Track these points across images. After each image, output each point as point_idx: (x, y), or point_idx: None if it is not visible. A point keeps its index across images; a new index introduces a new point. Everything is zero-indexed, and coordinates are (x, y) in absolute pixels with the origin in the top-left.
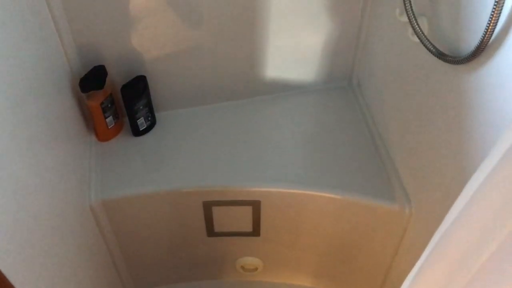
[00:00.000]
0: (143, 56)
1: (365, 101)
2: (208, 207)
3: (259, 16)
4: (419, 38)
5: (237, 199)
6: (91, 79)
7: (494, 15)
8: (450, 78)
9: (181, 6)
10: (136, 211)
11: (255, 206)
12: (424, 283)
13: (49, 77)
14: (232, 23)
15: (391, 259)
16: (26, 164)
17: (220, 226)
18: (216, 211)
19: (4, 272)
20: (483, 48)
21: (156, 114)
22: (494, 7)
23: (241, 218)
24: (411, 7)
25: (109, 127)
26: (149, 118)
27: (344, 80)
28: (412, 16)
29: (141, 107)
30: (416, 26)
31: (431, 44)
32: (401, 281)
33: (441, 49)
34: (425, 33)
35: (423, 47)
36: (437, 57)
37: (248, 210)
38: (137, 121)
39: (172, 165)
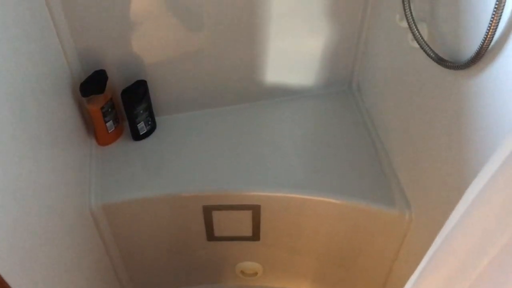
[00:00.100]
0: (144, 60)
1: (365, 105)
2: (208, 211)
3: (259, 21)
4: (418, 44)
5: (237, 203)
6: (92, 84)
7: (494, 21)
8: (450, 84)
9: (181, 11)
10: (136, 215)
11: (255, 210)
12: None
13: (50, 82)
14: (232, 27)
15: (391, 264)
16: (26, 168)
17: (220, 231)
18: (216, 215)
19: (3, 275)
20: (483, 54)
21: (156, 118)
22: (494, 13)
23: (241, 223)
24: (411, 13)
25: (109, 131)
26: (149, 122)
27: (344, 85)
28: (412, 22)
29: (141, 111)
30: (416, 31)
31: (431, 49)
32: (401, 287)
33: (440, 54)
34: (425, 38)
35: (423, 53)
36: (437, 63)
37: (248, 215)
38: (137, 125)
39: (172, 169)
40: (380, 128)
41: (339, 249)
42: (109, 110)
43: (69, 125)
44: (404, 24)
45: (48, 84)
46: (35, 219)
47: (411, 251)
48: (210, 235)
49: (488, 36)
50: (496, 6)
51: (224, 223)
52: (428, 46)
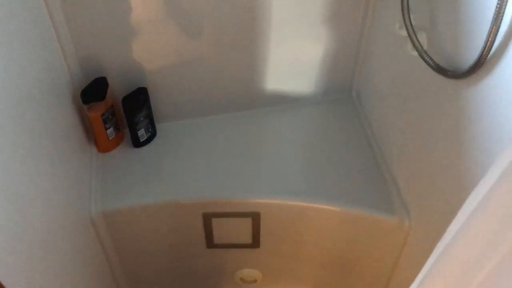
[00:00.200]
0: (144, 67)
1: (364, 113)
2: (207, 218)
3: (259, 28)
4: (418, 52)
5: (236, 210)
6: (93, 91)
7: (493, 30)
8: (449, 92)
9: (182, 18)
10: (136, 223)
11: (255, 218)
12: None
13: (51, 89)
14: (232, 35)
15: (391, 271)
16: (26, 175)
17: (220, 238)
18: (216, 222)
19: (3, 281)
20: (482, 63)
21: (157, 125)
22: (493, 22)
23: (241, 230)
24: (410, 21)
25: (109, 138)
26: (150, 130)
27: (343, 92)
28: (412, 31)
29: (141, 119)
30: (416, 40)
31: (430, 58)
32: None
33: (440, 63)
34: (425, 47)
35: (422, 61)
36: (436, 71)
37: (247, 222)
38: (138, 132)
39: (172, 177)
40: (380, 136)
41: (339, 256)
42: (110, 117)
43: (70, 132)
44: (404, 32)
45: (49, 91)
46: (35, 226)
47: (411, 258)
48: (210, 242)
49: (487, 45)
50: (495, 15)
51: (223, 230)
52: (428, 54)
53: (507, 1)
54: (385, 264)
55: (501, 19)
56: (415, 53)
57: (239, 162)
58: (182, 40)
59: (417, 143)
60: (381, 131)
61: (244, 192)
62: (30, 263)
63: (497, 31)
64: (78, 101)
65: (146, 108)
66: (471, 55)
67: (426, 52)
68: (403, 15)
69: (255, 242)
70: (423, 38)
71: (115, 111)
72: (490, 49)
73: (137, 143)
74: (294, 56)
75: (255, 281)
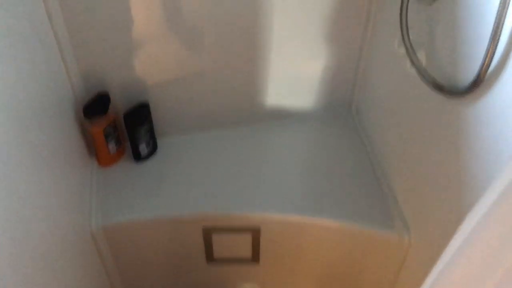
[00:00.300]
0: (146, 82)
1: (364, 129)
2: (207, 233)
3: (259, 44)
4: (416, 70)
5: (237, 225)
6: (95, 105)
7: (490, 49)
8: (448, 110)
9: (183, 34)
10: (136, 237)
11: (255, 232)
12: None
13: (53, 103)
14: (233, 50)
15: (391, 286)
16: (27, 189)
17: (220, 252)
18: (216, 237)
19: None
20: (480, 82)
21: (158, 140)
22: (490, 41)
23: (241, 245)
24: (409, 39)
25: (111, 153)
26: (151, 144)
27: (343, 108)
28: (410, 48)
29: (143, 133)
30: (414, 58)
31: (429, 76)
32: None
33: (439, 81)
34: (423, 65)
35: (421, 79)
36: (435, 89)
37: (247, 237)
38: (139, 147)
39: (173, 191)
40: (379, 152)
41: (339, 272)
42: (111, 131)
43: (71, 146)
44: (402, 50)
45: (51, 105)
46: (35, 240)
47: (410, 274)
48: (210, 257)
49: (485, 64)
50: (492, 34)
51: (223, 244)
52: (426, 72)
53: (504, 21)
54: (384, 279)
55: (498, 38)
56: (414, 71)
57: (240, 176)
58: (183, 55)
59: (416, 160)
60: (381, 147)
61: (244, 206)
62: (31, 277)
63: (495, 50)
64: (80, 115)
65: (148, 122)
66: (469, 74)
67: (424, 70)
68: (402, 32)
69: (255, 257)
70: (421, 55)
71: (117, 125)
72: (488, 68)
73: (138, 158)
74: (294, 72)
75: None
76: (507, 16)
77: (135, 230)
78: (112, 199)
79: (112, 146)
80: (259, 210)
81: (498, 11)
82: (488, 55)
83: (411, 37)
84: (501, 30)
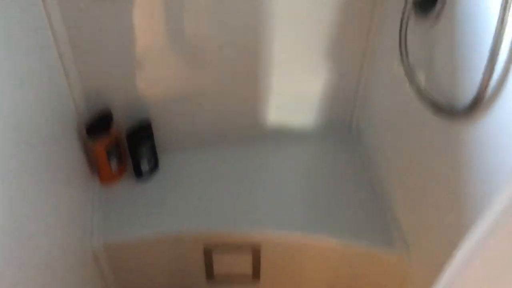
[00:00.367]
0: (148, 100)
1: (364, 147)
2: (208, 251)
3: (261, 63)
4: (415, 91)
5: (237, 243)
6: (98, 124)
7: (487, 72)
8: (448, 131)
9: (185, 52)
10: (137, 255)
11: (255, 250)
12: None
13: (57, 122)
14: (234, 68)
15: None
16: (29, 206)
17: (220, 270)
18: (216, 255)
19: None
20: (479, 103)
21: (159, 157)
22: (488, 63)
23: (241, 263)
24: (408, 60)
25: (112, 171)
26: (152, 162)
27: (344, 127)
28: (409, 69)
29: (145, 151)
30: (413, 78)
31: (428, 97)
32: None
33: (438, 101)
34: (422, 85)
35: (421, 99)
36: (434, 110)
37: (248, 255)
38: (141, 164)
39: (174, 209)
40: (380, 171)
41: None
42: (114, 149)
43: (73, 164)
44: (402, 70)
45: (54, 123)
46: (37, 258)
47: None
48: (210, 275)
49: (484, 85)
50: (490, 56)
51: (224, 262)
52: (425, 93)
53: (501, 44)
54: None
55: (496, 60)
56: (413, 91)
57: (240, 194)
58: (185, 74)
59: (417, 180)
60: (381, 166)
61: (245, 225)
62: None
63: (492, 72)
64: (83, 133)
65: (150, 140)
66: (468, 95)
67: (423, 90)
68: (401, 53)
69: (256, 275)
70: (420, 76)
71: (119, 143)
72: (486, 89)
73: (140, 175)
74: (295, 91)
75: None
76: (504, 38)
77: (136, 248)
78: (114, 216)
79: (114, 164)
80: (260, 228)
81: (495, 33)
82: (486, 77)
83: (410, 58)
84: (498, 53)
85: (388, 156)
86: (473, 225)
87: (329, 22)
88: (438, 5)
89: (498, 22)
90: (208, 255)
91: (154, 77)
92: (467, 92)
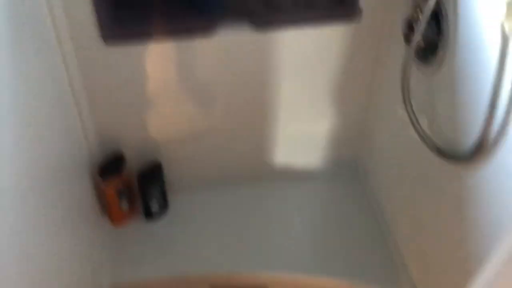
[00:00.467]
0: (159, 142)
1: (371, 189)
2: None
3: (269, 103)
4: (418, 135)
5: (244, 284)
6: (110, 166)
7: (489, 118)
8: (451, 175)
9: (195, 94)
10: None
11: None
12: None
13: (70, 163)
14: (243, 109)
15: None
16: (39, 247)
17: None
18: None
19: None
20: (481, 150)
21: (169, 198)
22: (489, 110)
23: None
24: (410, 105)
25: (123, 212)
26: (162, 203)
27: (350, 168)
28: (412, 114)
29: (155, 192)
30: (416, 123)
31: (431, 141)
32: None
33: (441, 147)
34: (425, 130)
35: (424, 144)
36: (438, 155)
37: None
38: (151, 206)
39: (182, 250)
40: (387, 213)
41: None
42: (124, 191)
43: (85, 204)
44: (405, 115)
45: (68, 165)
46: None
47: None
48: None
49: (485, 132)
50: (490, 103)
51: None
52: (428, 138)
53: (500, 91)
54: None
55: (496, 107)
56: (417, 136)
57: (248, 235)
58: (195, 115)
59: (423, 222)
60: (388, 207)
61: (252, 265)
62: None
63: (493, 119)
64: (95, 175)
65: (160, 182)
66: (471, 141)
67: (426, 136)
68: (404, 99)
69: None
70: (423, 121)
71: (130, 184)
72: (488, 136)
73: (150, 216)
74: (302, 131)
75: None
76: (503, 85)
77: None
78: (123, 257)
79: (124, 205)
80: (267, 269)
81: (494, 80)
82: (487, 124)
83: (413, 103)
84: (498, 100)
85: (394, 197)
86: (478, 270)
87: (334, 67)
88: (440, 53)
89: (497, 69)
90: None
91: (165, 119)
92: (469, 137)
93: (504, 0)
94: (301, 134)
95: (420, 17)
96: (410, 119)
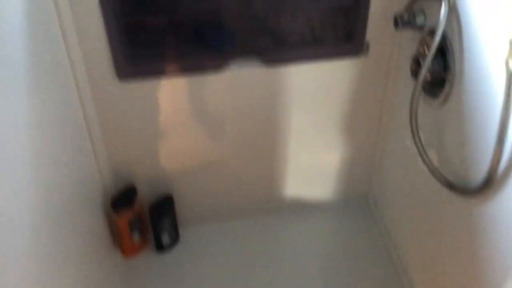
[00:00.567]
0: (171, 174)
1: (382, 221)
2: None
3: (279, 136)
4: (428, 168)
5: None
6: (122, 198)
7: (497, 151)
8: (461, 208)
9: (206, 127)
10: None
11: None
12: None
13: (83, 196)
14: (254, 142)
15: None
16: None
17: None
18: None
19: None
20: (490, 183)
21: (180, 230)
22: (496, 143)
23: None
24: (419, 138)
25: (134, 244)
26: (173, 235)
27: (361, 199)
28: (421, 147)
29: (166, 224)
30: (425, 157)
31: (440, 174)
32: None
33: (450, 180)
34: (435, 163)
35: (433, 176)
36: (447, 188)
37: None
38: (162, 238)
39: (193, 282)
40: (398, 245)
41: None
42: (136, 223)
43: (97, 236)
44: (414, 148)
45: (82, 197)
46: None
47: None
48: None
49: (494, 165)
50: (498, 136)
51: None
52: (438, 171)
53: (507, 125)
54: None
55: (504, 140)
56: (426, 168)
57: (258, 270)
58: (206, 145)
59: (434, 254)
60: (399, 239)
61: None
62: None
63: (501, 152)
64: (108, 207)
65: (171, 214)
66: (480, 174)
67: (436, 169)
68: (413, 133)
69: None
70: (432, 155)
71: (141, 216)
72: (497, 169)
73: (161, 248)
74: (312, 163)
75: None
76: (510, 122)
77: None
78: None
79: (136, 237)
80: None
81: (501, 115)
82: (496, 158)
83: (421, 136)
84: (506, 134)
85: (405, 230)
86: None
87: (343, 100)
88: (446, 87)
89: (503, 106)
90: None
91: (176, 152)
92: (478, 171)
93: (507, 38)
94: (311, 166)
95: (427, 52)
96: (419, 151)
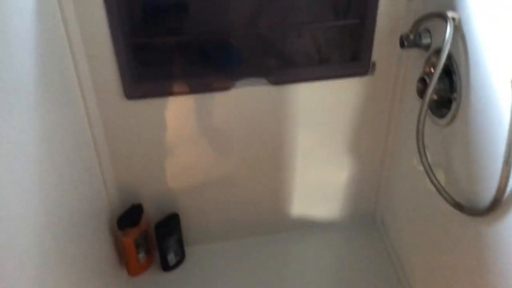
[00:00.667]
0: (177, 193)
1: (389, 240)
2: None
3: (285, 155)
4: (435, 188)
5: None
6: (128, 217)
7: (504, 171)
8: (469, 228)
9: (212, 145)
10: None
11: None
12: None
13: (90, 215)
14: (260, 160)
15: None
16: None
17: None
18: None
19: None
20: (498, 204)
21: (186, 248)
22: (504, 164)
23: None
24: (426, 158)
25: (140, 262)
26: (179, 253)
27: (368, 218)
28: (428, 167)
29: (172, 243)
30: (432, 176)
31: (448, 194)
32: None
33: (458, 200)
34: (442, 183)
35: (441, 196)
36: (454, 208)
37: None
38: (168, 256)
39: None
40: (405, 263)
41: None
42: (142, 242)
43: (103, 255)
44: (421, 167)
45: (88, 218)
46: None
47: None
48: None
49: (501, 185)
50: (505, 157)
51: None
52: (445, 191)
53: None
54: None
55: (511, 164)
56: (433, 188)
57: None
58: (212, 163)
59: (442, 274)
60: (406, 258)
61: None
62: None
63: (509, 172)
64: (114, 226)
65: (177, 233)
66: (488, 194)
67: (443, 189)
68: (419, 153)
69: None
70: (440, 174)
71: (147, 235)
72: (505, 189)
73: (166, 267)
74: (318, 182)
75: None
76: None
77: None
78: None
79: (142, 256)
80: None
81: (508, 135)
82: (503, 177)
83: (428, 156)
84: None
85: (412, 249)
86: None
87: (350, 119)
88: (453, 106)
89: (510, 123)
90: None
91: (183, 170)
92: (486, 192)
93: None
94: (318, 184)
95: (433, 72)
96: (426, 171)
